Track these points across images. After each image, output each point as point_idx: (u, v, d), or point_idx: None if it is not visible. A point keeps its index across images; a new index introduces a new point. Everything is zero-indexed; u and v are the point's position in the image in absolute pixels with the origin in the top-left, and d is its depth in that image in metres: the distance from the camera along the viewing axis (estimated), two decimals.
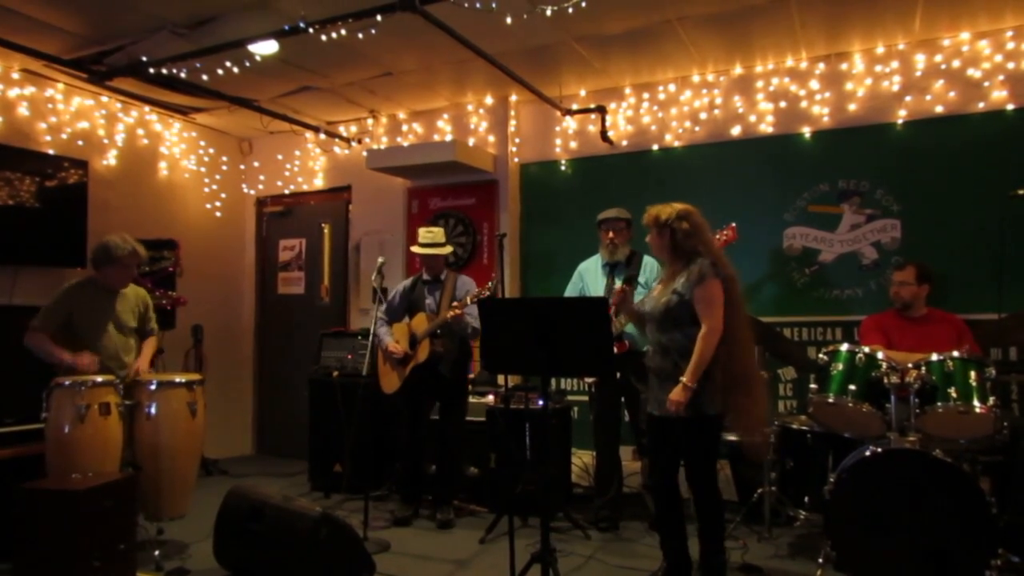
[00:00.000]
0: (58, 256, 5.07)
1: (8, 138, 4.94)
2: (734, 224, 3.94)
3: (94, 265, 3.96)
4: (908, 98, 4.67)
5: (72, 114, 5.40)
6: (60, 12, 4.21)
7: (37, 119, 5.17)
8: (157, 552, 3.66)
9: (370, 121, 6.30)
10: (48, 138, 5.22)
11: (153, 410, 3.74)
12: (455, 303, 4.29)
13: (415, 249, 4.58)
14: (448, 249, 4.69)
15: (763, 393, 3.27)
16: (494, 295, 4.15)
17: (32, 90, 5.13)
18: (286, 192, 6.74)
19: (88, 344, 3.84)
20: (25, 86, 5.09)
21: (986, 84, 4.49)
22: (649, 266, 4.27)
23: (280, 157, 6.74)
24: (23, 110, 5.08)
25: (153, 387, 3.77)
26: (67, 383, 3.54)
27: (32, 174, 4.96)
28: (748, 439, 3.30)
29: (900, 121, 4.68)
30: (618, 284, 3.65)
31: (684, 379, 2.99)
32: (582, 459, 4.95)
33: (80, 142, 5.43)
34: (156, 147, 6.08)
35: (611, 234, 4.31)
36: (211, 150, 6.55)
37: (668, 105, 5.33)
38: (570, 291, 4.53)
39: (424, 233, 4.57)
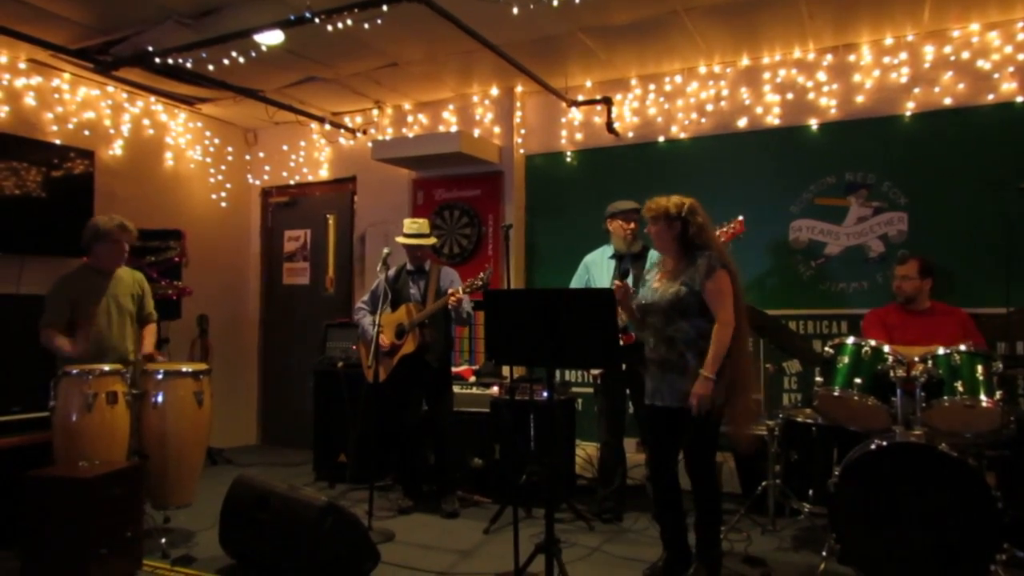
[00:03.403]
0: (64, 246, 5.05)
1: (15, 128, 4.95)
2: (741, 217, 3.92)
3: (85, 247, 3.97)
4: (916, 90, 4.64)
5: (78, 104, 5.40)
6: (66, 2, 4.21)
7: (43, 109, 5.18)
8: (163, 540, 3.69)
9: (375, 112, 6.29)
10: (54, 128, 5.23)
11: (160, 399, 3.76)
12: (451, 290, 4.30)
13: (400, 239, 4.61)
14: (432, 240, 4.75)
15: (757, 387, 3.26)
16: (487, 285, 4.17)
17: (38, 80, 5.14)
18: (291, 183, 6.74)
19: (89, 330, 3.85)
20: (31, 76, 5.09)
21: (996, 76, 4.45)
22: (653, 259, 4.25)
23: (285, 148, 6.74)
24: (30, 100, 5.09)
25: (160, 376, 3.79)
26: (75, 372, 3.56)
27: (38, 164, 4.97)
28: (741, 433, 3.25)
29: (908, 113, 4.65)
30: (605, 282, 3.65)
31: (704, 372, 2.99)
32: (586, 451, 4.96)
33: (86, 132, 5.44)
34: (162, 137, 6.08)
35: (632, 225, 4.30)
36: (216, 140, 6.55)
37: (674, 96, 5.31)
38: (576, 283, 4.52)
39: (409, 224, 4.64)
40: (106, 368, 3.63)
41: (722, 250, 3.20)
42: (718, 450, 4.55)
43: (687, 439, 3.12)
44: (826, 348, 3.56)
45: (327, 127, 6.38)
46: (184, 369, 3.89)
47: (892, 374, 3.27)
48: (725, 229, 4.01)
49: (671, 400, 3.09)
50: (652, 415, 3.21)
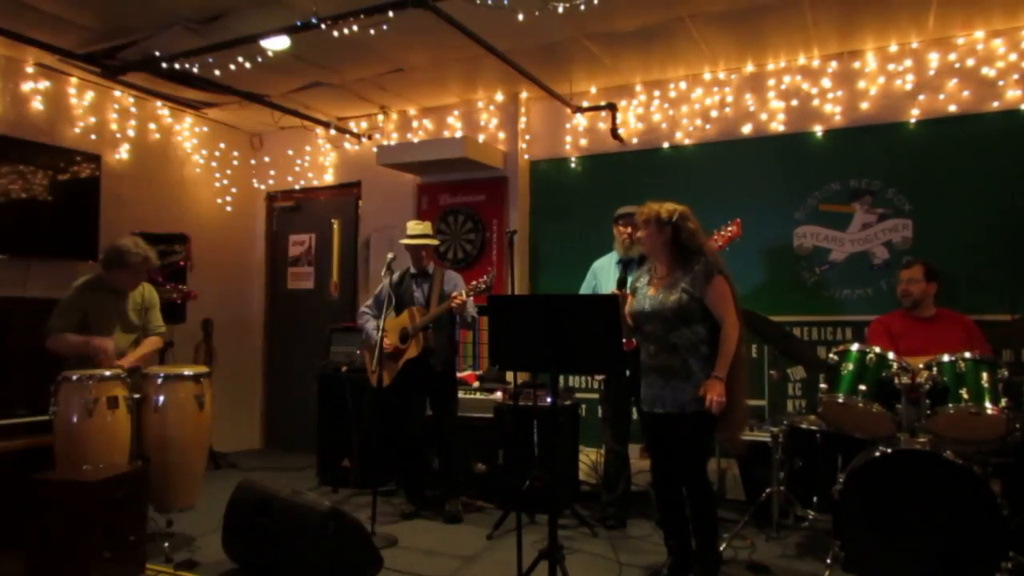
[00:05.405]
0: (70, 249, 5.10)
1: (22, 132, 4.97)
2: (739, 219, 3.91)
3: (104, 266, 3.97)
4: (921, 97, 4.64)
5: (85, 108, 5.43)
6: (74, 7, 4.24)
7: (51, 113, 5.20)
8: (166, 544, 3.68)
9: (380, 117, 6.31)
10: (62, 132, 5.25)
11: (160, 402, 3.75)
12: (455, 293, 4.31)
13: (403, 241, 4.63)
14: (435, 241, 4.79)
15: (748, 393, 3.30)
16: (490, 288, 4.18)
17: (46, 84, 5.16)
18: (296, 187, 6.76)
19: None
20: (39, 80, 5.12)
21: (1000, 83, 4.45)
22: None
23: (290, 152, 6.76)
24: (37, 104, 5.11)
25: (160, 380, 3.79)
26: (74, 377, 3.55)
27: (45, 168, 4.99)
28: (731, 436, 3.32)
29: (913, 120, 4.65)
30: (613, 288, 3.64)
31: (718, 373, 3.02)
32: (590, 456, 4.95)
33: (93, 136, 5.47)
34: (168, 141, 6.10)
35: (629, 229, 4.28)
36: (222, 145, 6.58)
37: (679, 103, 5.31)
38: (584, 289, 4.50)
39: (412, 225, 4.68)
40: (106, 373, 3.63)
41: (716, 255, 3.24)
42: (722, 457, 4.57)
43: (684, 443, 3.12)
44: (830, 355, 3.55)
45: (332, 132, 6.40)
46: (184, 372, 3.89)
47: (897, 381, 3.27)
48: (722, 233, 4.01)
49: (672, 407, 3.12)
50: (652, 422, 3.23)
